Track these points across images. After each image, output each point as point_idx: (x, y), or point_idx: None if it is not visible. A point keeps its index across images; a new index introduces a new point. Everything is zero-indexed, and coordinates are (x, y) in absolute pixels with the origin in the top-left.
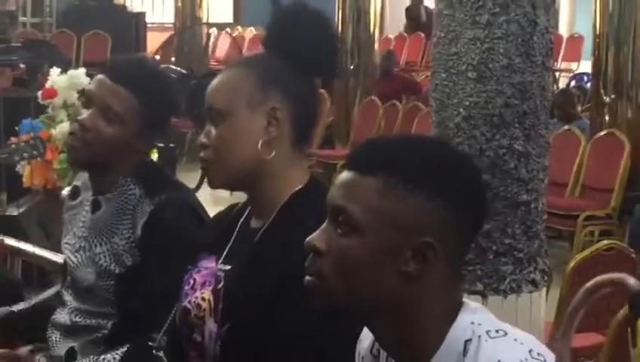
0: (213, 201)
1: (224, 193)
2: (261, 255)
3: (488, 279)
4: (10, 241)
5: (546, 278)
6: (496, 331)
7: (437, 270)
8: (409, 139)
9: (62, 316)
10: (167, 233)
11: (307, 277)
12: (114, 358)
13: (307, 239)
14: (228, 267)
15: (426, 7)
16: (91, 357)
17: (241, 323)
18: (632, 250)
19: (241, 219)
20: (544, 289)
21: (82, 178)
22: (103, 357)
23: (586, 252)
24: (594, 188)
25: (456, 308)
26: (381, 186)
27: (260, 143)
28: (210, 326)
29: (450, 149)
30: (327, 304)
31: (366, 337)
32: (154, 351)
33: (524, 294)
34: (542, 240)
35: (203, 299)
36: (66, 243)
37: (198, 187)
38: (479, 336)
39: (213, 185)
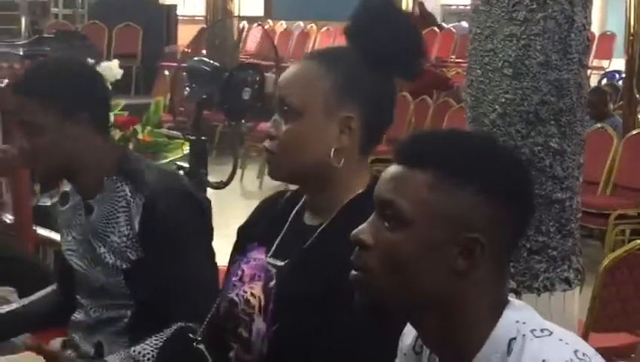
0: (242, 195)
1: (254, 187)
2: (317, 256)
3: (522, 277)
4: (42, 231)
5: (579, 277)
6: (542, 330)
7: (484, 266)
8: (456, 133)
9: (81, 316)
10: (166, 223)
11: (353, 272)
12: (150, 350)
13: (353, 232)
14: (279, 262)
15: (421, 4)
16: (123, 351)
17: (291, 324)
18: None
19: (294, 211)
20: (577, 288)
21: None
22: (134, 348)
23: (619, 251)
24: (626, 187)
25: (501, 305)
26: (430, 180)
27: (332, 151)
28: (259, 324)
29: (498, 144)
30: (373, 299)
31: (409, 333)
32: (194, 344)
33: (558, 292)
34: (576, 239)
35: (253, 294)
36: (68, 249)
37: (229, 181)
38: (524, 335)
39: (274, 177)
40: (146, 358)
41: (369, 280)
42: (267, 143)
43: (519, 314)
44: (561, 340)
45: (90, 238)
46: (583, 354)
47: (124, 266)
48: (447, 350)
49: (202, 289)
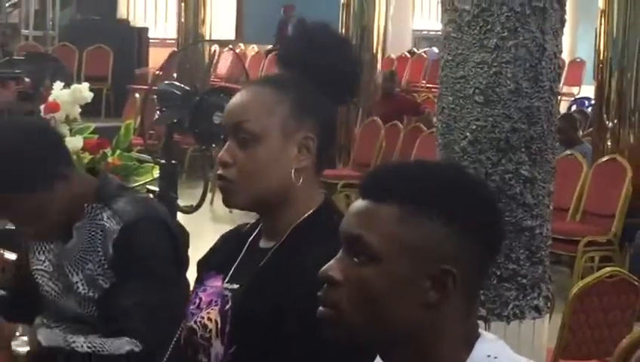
0: (212, 219)
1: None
2: (269, 276)
3: (491, 304)
4: (8, 255)
5: (549, 304)
6: None
7: (456, 298)
8: (421, 164)
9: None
10: (139, 250)
11: (321, 308)
12: (81, 342)
13: (322, 269)
14: (235, 286)
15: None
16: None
17: (248, 345)
18: (634, 277)
19: (250, 239)
20: (547, 316)
21: None
22: (71, 336)
23: (589, 279)
24: (595, 214)
25: (473, 337)
26: (398, 214)
27: (292, 172)
28: (217, 348)
29: (465, 174)
30: (344, 336)
31: None
32: None
33: (527, 320)
34: (546, 266)
35: (209, 319)
36: (41, 270)
37: (199, 205)
38: None
39: (230, 205)
40: (74, 344)
41: (339, 316)
42: (222, 171)
43: (491, 348)
44: None
45: (65, 265)
46: None
47: (96, 296)
48: None
49: (163, 316)
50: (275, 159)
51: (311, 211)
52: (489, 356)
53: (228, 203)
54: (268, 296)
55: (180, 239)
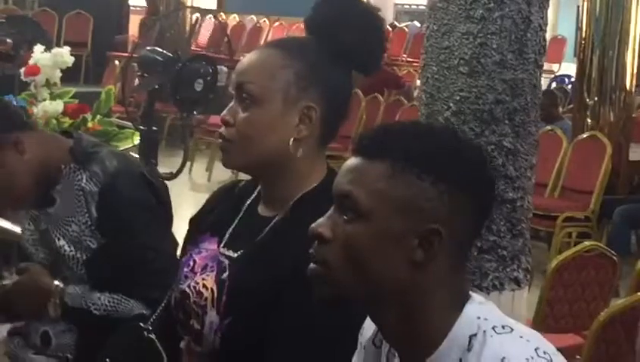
0: (191, 187)
1: (202, 179)
2: (271, 248)
3: (471, 275)
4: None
5: (528, 277)
6: (502, 327)
7: (442, 258)
8: (415, 125)
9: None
10: (123, 208)
11: (312, 265)
12: (101, 303)
13: (312, 226)
14: (231, 253)
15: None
16: (81, 287)
17: (245, 317)
18: (612, 252)
19: (248, 202)
20: (526, 288)
21: None
22: (94, 293)
23: (568, 253)
24: (574, 190)
25: (462, 299)
26: (388, 171)
27: (291, 141)
28: (212, 317)
29: (457, 136)
30: (332, 292)
31: (369, 327)
32: (145, 333)
33: (507, 292)
34: (526, 239)
35: (205, 286)
36: (30, 238)
37: (179, 171)
38: (484, 331)
39: (228, 165)
40: (94, 307)
41: (328, 273)
42: (223, 130)
43: (480, 310)
44: (522, 337)
45: (51, 230)
46: (544, 352)
47: (85, 256)
48: (407, 344)
49: (162, 270)
50: (272, 125)
51: (315, 184)
52: (479, 317)
53: (225, 162)
54: (267, 268)
55: (160, 186)
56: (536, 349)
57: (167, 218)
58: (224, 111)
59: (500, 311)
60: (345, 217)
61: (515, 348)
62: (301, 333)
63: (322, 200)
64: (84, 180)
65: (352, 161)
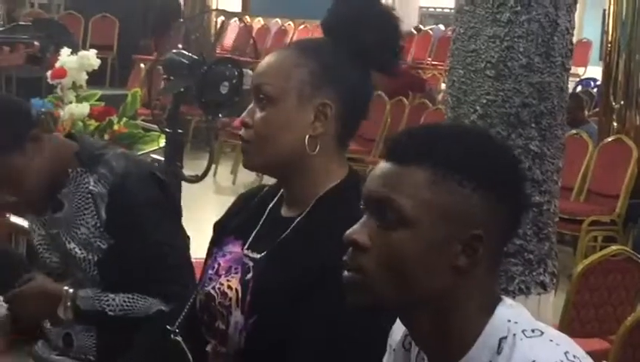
0: (215, 190)
1: (227, 182)
2: (294, 247)
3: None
4: (15, 219)
5: (554, 281)
6: (532, 330)
7: (484, 263)
8: (451, 128)
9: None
10: (132, 208)
11: (346, 273)
12: (116, 304)
13: (347, 233)
14: (255, 255)
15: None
16: (92, 291)
17: (269, 315)
18: (639, 256)
19: (271, 205)
20: (552, 292)
21: None
22: (106, 294)
23: (594, 257)
24: (599, 194)
25: (493, 302)
26: (431, 177)
27: (306, 138)
28: (237, 317)
29: (492, 139)
30: (369, 300)
31: (398, 329)
32: (171, 335)
33: (533, 296)
34: (552, 243)
35: (230, 287)
36: (41, 244)
37: (205, 175)
38: (514, 334)
39: (249, 166)
40: (109, 308)
41: (365, 281)
42: (242, 132)
43: (511, 313)
44: (551, 341)
45: (61, 234)
46: (574, 356)
47: (96, 258)
48: (438, 348)
49: (177, 265)
50: (288, 123)
51: (336, 183)
52: (509, 320)
53: (246, 164)
54: (290, 267)
55: (168, 184)
56: (565, 353)
57: (177, 212)
58: (243, 114)
59: (529, 314)
60: (383, 224)
61: (544, 352)
62: (327, 336)
63: (343, 199)
64: (91, 183)
65: (386, 165)
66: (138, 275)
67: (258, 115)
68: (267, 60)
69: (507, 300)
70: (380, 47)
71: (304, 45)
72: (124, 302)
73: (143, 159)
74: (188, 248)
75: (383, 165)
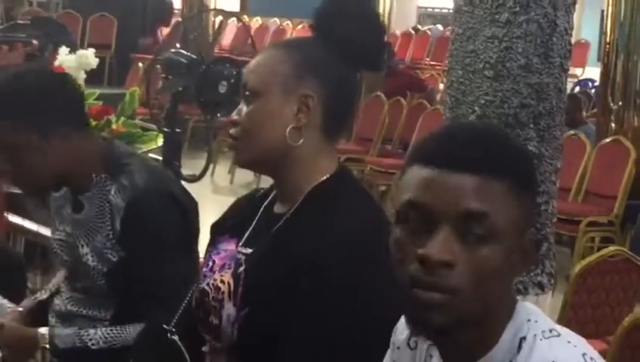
0: (213, 190)
1: (225, 182)
2: (284, 240)
3: None
4: (14, 219)
5: (552, 281)
6: (550, 331)
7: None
8: (493, 133)
9: (59, 302)
10: (146, 225)
11: (430, 294)
12: (98, 337)
13: (424, 253)
14: (249, 250)
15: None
16: (72, 329)
17: (260, 307)
18: (637, 257)
19: (265, 203)
20: (550, 293)
21: None
22: (85, 330)
23: (592, 257)
24: (597, 195)
25: (515, 301)
26: (511, 190)
27: (288, 129)
28: (229, 309)
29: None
30: (454, 321)
31: (403, 328)
32: (168, 335)
33: (531, 296)
34: (550, 244)
35: (222, 281)
36: (59, 239)
37: (203, 174)
38: (534, 335)
39: (238, 163)
40: (91, 342)
41: (454, 301)
42: (231, 130)
43: (530, 313)
44: (569, 342)
45: (77, 235)
46: (591, 359)
47: (105, 269)
48: (462, 351)
49: (176, 293)
50: (272, 116)
51: (325, 177)
52: (529, 320)
53: (235, 161)
54: (281, 259)
55: (188, 207)
56: (583, 354)
57: (192, 239)
58: (233, 113)
59: (545, 315)
60: (469, 239)
61: (563, 353)
62: (316, 328)
63: (333, 193)
64: (112, 192)
65: (455, 177)
66: (137, 291)
67: (244, 110)
68: (255, 59)
69: (521, 301)
70: (361, 42)
71: (290, 42)
72: (108, 334)
73: (168, 175)
74: (192, 277)
75: (451, 176)
